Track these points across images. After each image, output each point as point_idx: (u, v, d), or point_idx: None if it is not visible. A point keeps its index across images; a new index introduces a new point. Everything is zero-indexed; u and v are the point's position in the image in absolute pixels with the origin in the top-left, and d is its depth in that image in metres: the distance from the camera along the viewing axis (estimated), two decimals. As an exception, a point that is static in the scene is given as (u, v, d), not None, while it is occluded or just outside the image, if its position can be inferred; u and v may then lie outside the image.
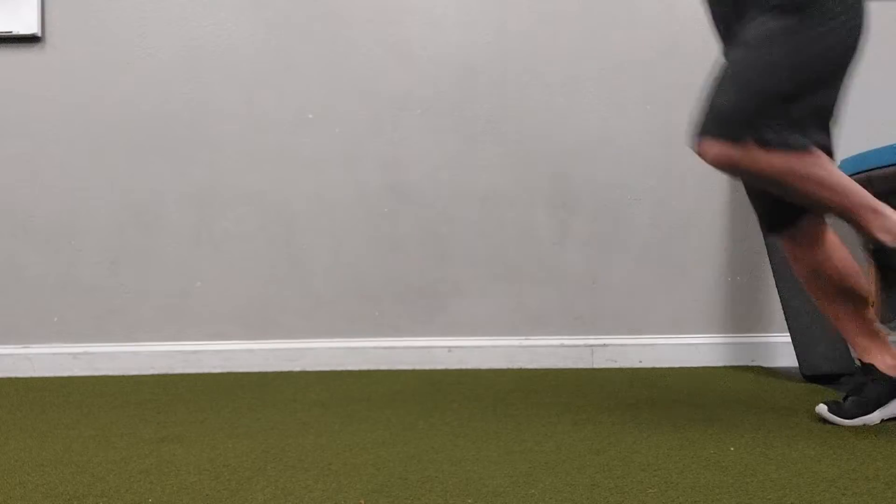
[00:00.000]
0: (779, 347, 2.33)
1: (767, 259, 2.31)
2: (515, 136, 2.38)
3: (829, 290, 1.55)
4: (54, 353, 2.36)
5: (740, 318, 2.36)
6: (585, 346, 2.35)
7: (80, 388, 2.09)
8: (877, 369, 1.52)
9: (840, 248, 1.54)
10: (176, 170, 2.39)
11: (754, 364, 2.34)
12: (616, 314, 2.37)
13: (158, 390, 2.03)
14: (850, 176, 2.24)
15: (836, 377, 2.01)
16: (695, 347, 2.34)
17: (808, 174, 1.38)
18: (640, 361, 2.34)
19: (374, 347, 2.36)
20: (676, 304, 2.36)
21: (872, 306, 1.54)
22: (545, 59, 2.38)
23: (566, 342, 2.35)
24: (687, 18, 2.37)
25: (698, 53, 2.37)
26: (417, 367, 2.35)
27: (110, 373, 2.36)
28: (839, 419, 1.51)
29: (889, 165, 2.04)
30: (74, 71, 2.40)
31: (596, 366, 2.34)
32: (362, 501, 1.07)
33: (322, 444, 1.41)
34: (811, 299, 1.55)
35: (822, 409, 1.53)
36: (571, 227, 2.38)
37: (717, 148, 1.39)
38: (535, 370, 2.29)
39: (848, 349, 2.03)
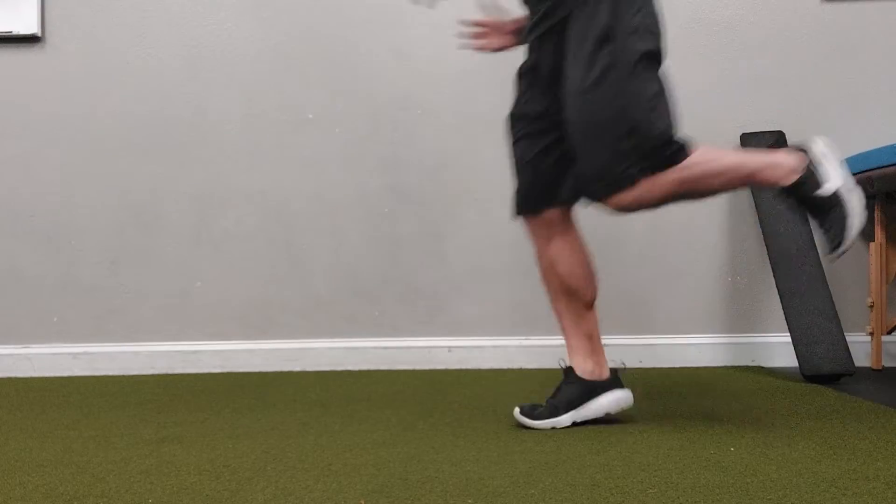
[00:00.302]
0: (779, 347, 2.32)
1: (767, 259, 2.31)
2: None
3: (558, 284, 1.58)
4: (54, 353, 2.36)
5: (740, 318, 2.36)
6: (585, 346, 2.34)
7: (80, 388, 2.09)
8: (573, 371, 1.55)
9: (578, 250, 1.58)
10: (176, 170, 2.39)
11: (754, 364, 2.34)
12: (616, 314, 2.37)
13: (158, 390, 2.03)
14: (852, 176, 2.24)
15: (836, 377, 2.01)
16: (695, 347, 2.34)
17: (703, 174, 1.41)
18: (640, 361, 2.33)
19: (374, 347, 2.36)
20: (676, 304, 2.36)
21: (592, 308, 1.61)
22: (545, 59, 2.38)
23: (566, 342, 2.35)
24: (687, 19, 2.37)
25: (698, 54, 2.37)
26: (417, 367, 2.35)
27: (110, 373, 2.36)
28: (529, 421, 1.52)
29: (889, 165, 2.05)
30: (74, 71, 2.40)
31: (596, 366, 2.34)
32: (362, 501, 1.07)
33: (322, 444, 1.41)
34: (553, 299, 1.62)
35: (516, 412, 1.54)
36: (571, 227, 2.37)
37: (617, 200, 1.43)
38: (535, 370, 2.29)
39: (848, 349, 2.03)
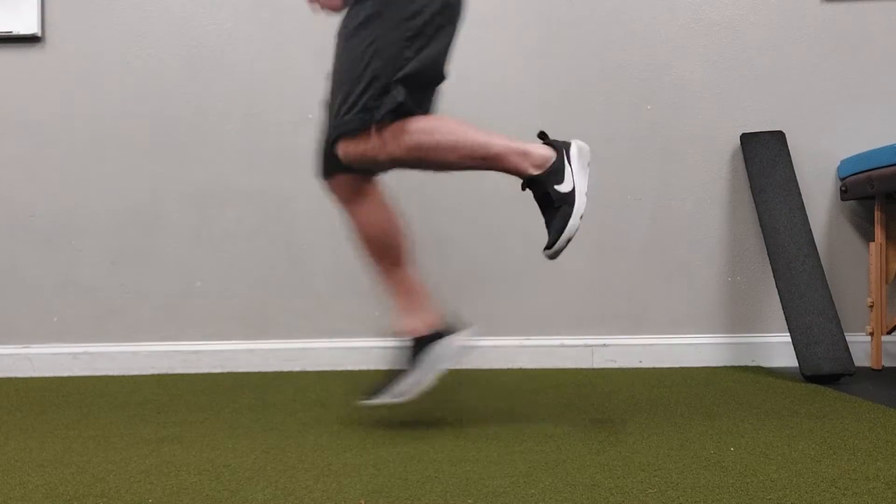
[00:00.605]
0: (779, 347, 2.33)
1: (767, 259, 2.31)
2: (515, 136, 2.37)
3: (373, 244, 1.58)
4: (54, 353, 2.36)
5: (740, 318, 2.36)
6: (585, 346, 2.35)
7: (80, 388, 2.09)
8: (409, 337, 1.55)
9: (384, 208, 1.58)
10: (176, 170, 2.39)
11: (754, 364, 2.34)
12: (616, 314, 2.37)
13: (158, 390, 2.03)
14: (851, 176, 2.24)
15: (836, 377, 2.01)
16: (695, 347, 2.34)
17: (437, 143, 1.42)
18: (640, 361, 2.34)
19: (374, 347, 2.36)
20: (676, 304, 2.36)
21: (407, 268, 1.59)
22: (544, 59, 2.38)
23: (566, 342, 2.35)
24: (687, 19, 2.37)
25: (698, 53, 2.37)
26: (417, 367, 2.35)
27: (110, 373, 2.36)
28: (374, 400, 1.53)
29: (889, 165, 2.05)
30: (74, 71, 2.40)
31: (596, 366, 2.34)
32: (362, 501, 1.07)
33: (322, 444, 1.41)
34: (371, 260, 1.61)
35: (363, 401, 1.56)
36: (571, 227, 2.37)
37: (347, 147, 1.44)
38: (535, 370, 2.29)
39: (848, 349, 2.03)
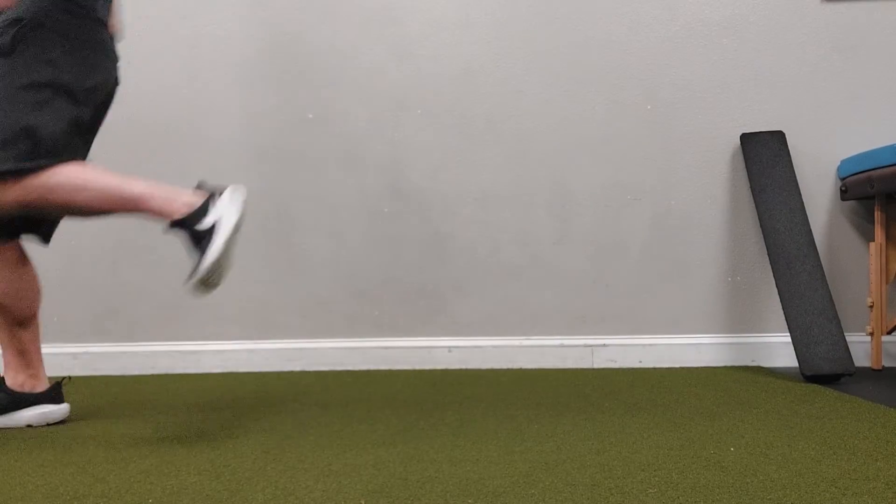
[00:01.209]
0: (779, 347, 2.33)
1: (767, 259, 2.31)
2: (515, 136, 2.38)
3: None
4: (54, 353, 2.36)
5: (740, 318, 2.36)
6: (585, 346, 2.35)
7: (80, 388, 2.09)
8: (3, 382, 1.60)
9: (17, 272, 1.59)
10: (176, 170, 2.39)
11: (754, 364, 2.34)
12: (616, 314, 2.37)
13: (158, 390, 2.03)
14: (851, 176, 2.24)
15: (836, 377, 2.01)
16: (695, 347, 2.34)
17: (58, 185, 1.42)
18: (640, 361, 2.34)
19: (374, 347, 2.36)
20: (676, 304, 2.36)
21: (23, 327, 1.62)
22: (545, 59, 2.38)
23: (566, 342, 2.35)
24: (687, 19, 2.37)
25: (698, 53, 2.37)
26: (417, 367, 2.35)
27: (110, 373, 2.36)
28: None
29: (889, 165, 2.05)
30: (74, 71, 2.39)
31: (596, 366, 2.34)
32: (362, 501, 1.07)
33: (322, 444, 1.41)
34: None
35: None
36: (571, 227, 2.38)
37: None
38: (535, 370, 2.29)
39: (848, 349, 2.03)
